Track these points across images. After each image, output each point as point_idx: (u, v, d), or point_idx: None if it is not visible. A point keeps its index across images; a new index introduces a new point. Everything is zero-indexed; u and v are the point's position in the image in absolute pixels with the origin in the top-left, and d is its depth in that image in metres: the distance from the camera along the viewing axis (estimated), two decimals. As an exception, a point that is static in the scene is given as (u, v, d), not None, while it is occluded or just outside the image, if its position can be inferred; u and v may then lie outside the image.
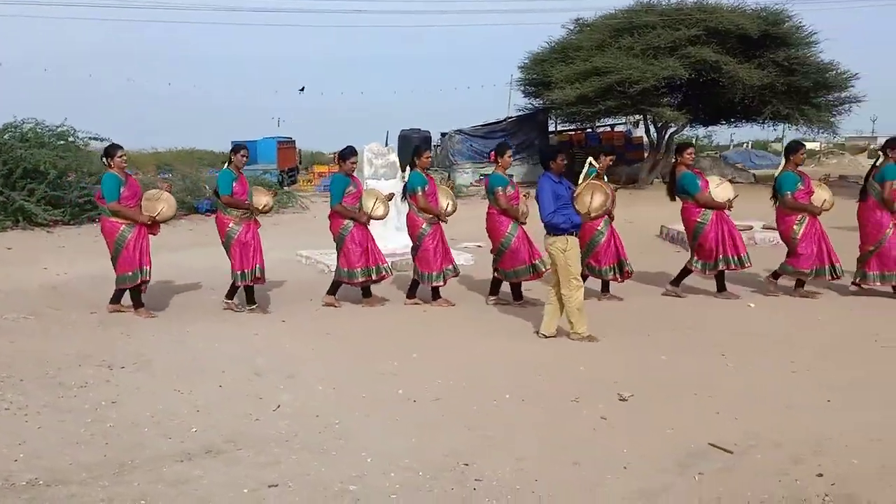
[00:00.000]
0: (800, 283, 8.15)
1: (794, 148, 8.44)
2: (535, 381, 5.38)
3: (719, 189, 8.20)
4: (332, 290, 8.07)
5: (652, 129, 23.12)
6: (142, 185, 8.53)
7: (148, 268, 7.59)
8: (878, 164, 8.21)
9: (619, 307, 7.94)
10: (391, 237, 10.16)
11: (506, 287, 8.14)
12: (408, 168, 8.25)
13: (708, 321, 7.17)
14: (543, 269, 7.76)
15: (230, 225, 7.75)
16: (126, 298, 7.67)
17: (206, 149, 31.98)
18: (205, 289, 9.01)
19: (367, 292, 8.12)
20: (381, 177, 10.84)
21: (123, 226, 7.49)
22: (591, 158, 8.05)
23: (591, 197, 7.15)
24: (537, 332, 6.68)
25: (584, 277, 7.01)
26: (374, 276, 7.99)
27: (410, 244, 8.20)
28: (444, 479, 3.78)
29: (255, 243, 7.80)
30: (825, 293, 8.22)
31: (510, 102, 29.22)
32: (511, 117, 26.70)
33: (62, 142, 15.16)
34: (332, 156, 29.10)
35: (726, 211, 8.11)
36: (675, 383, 5.26)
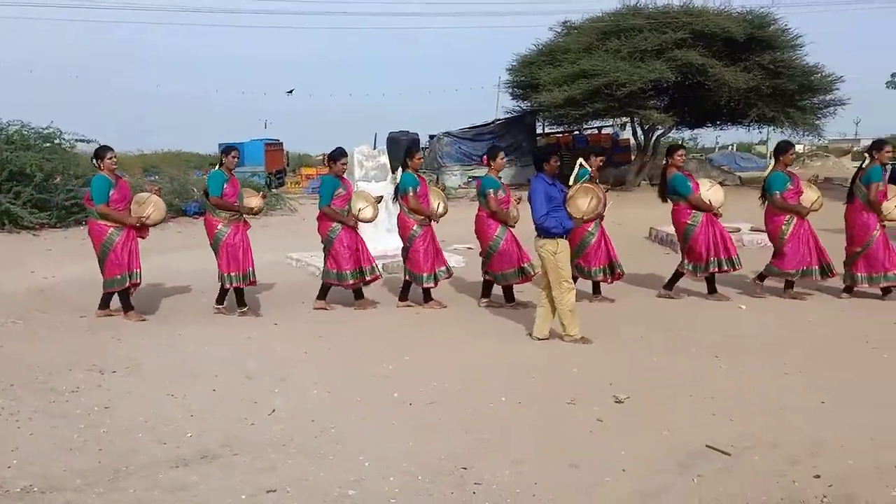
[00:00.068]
0: (789, 285, 8.20)
1: (783, 148, 8.48)
2: (529, 384, 5.38)
3: (711, 192, 8.25)
4: (322, 294, 8.03)
5: (639, 131, 23.22)
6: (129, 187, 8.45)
7: (137, 271, 7.53)
8: (863, 166, 8.26)
9: (611, 308, 7.96)
10: (382, 239, 10.14)
11: (498, 289, 8.14)
12: (399, 169, 8.25)
13: (700, 323, 7.20)
14: (532, 272, 7.79)
15: (218, 227, 7.70)
16: (115, 301, 7.60)
17: (193, 151, 31.87)
18: (195, 292, 8.95)
19: (358, 294, 8.09)
20: (372, 179, 10.80)
21: (111, 229, 7.40)
22: (581, 160, 8.09)
23: (583, 201, 7.16)
24: (530, 335, 6.68)
25: (574, 279, 7.02)
26: (367, 277, 7.97)
27: (401, 246, 8.19)
28: (443, 482, 3.77)
29: (245, 245, 7.75)
30: (815, 295, 8.27)
31: (498, 105, 29.31)
32: (499, 120, 26.72)
33: (48, 144, 15.00)
34: (321, 158, 29.08)
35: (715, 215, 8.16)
36: (670, 385, 5.28)
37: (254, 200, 8.14)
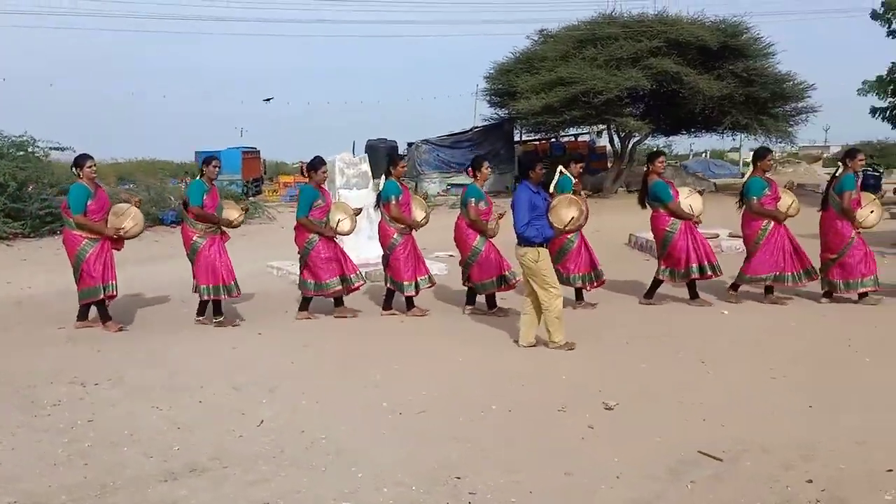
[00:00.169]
0: (769, 290, 8.29)
1: (761, 154, 8.58)
2: (519, 391, 5.37)
3: (690, 200, 8.32)
4: (304, 305, 7.95)
5: (616, 138, 23.42)
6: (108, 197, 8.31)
7: (113, 283, 7.40)
8: (836, 174, 8.36)
9: (594, 315, 7.98)
10: (364, 247, 10.09)
11: (481, 297, 8.13)
12: (382, 177, 8.20)
13: (684, 328, 7.23)
14: (514, 280, 7.79)
15: (194, 238, 7.58)
16: (93, 311, 7.47)
17: (167, 159, 31.54)
18: (174, 302, 8.84)
19: (338, 302, 8.02)
20: (354, 186, 10.76)
21: (85, 240, 7.26)
22: (561, 167, 8.10)
23: (567, 212, 7.12)
24: (517, 342, 6.67)
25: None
26: (354, 285, 7.91)
27: (382, 254, 8.15)
28: (437, 493, 3.74)
29: (223, 258, 7.60)
30: (795, 300, 8.36)
31: (476, 112, 29.38)
32: (477, 127, 26.80)
33: (22, 153, 14.79)
34: (297, 165, 28.89)
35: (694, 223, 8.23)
36: (658, 391, 5.30)
37: (234, 213, 8.00)
